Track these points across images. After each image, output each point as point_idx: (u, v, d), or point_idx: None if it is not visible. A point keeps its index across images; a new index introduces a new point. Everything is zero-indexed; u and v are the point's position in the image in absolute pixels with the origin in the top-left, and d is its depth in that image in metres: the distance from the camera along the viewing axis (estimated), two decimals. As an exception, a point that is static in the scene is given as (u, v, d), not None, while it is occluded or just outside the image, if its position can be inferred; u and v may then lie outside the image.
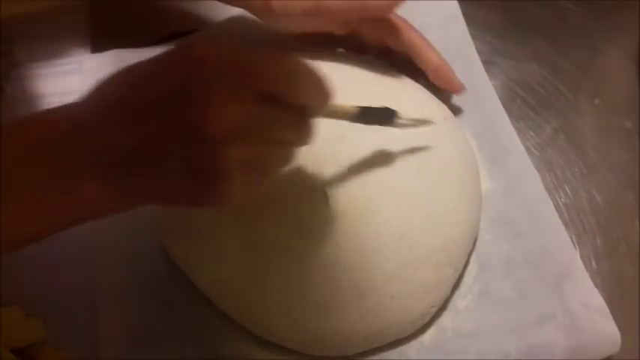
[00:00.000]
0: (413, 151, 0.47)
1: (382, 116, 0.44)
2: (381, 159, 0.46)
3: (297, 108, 0.35)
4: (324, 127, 0.46)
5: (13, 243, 0.35)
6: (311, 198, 0.44)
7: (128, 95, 0.33)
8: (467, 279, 0.47)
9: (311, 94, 0.36)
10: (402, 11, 0.59)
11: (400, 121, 0.45)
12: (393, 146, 0.46)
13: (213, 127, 0.31)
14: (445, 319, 0.46)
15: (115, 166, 0.33)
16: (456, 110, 0.54)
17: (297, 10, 0.48)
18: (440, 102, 0.52)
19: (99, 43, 0.58)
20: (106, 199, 0.34)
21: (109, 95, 0.34)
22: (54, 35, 0.57)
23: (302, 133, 0.36)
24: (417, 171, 0.46)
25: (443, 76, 0.52)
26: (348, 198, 0.44)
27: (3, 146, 0.33)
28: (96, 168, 0.33)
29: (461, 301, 0.46)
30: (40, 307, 0.47)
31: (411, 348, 0.45)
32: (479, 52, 0.58)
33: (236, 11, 0.62)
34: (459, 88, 0.53)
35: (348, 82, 0.49)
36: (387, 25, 0.51)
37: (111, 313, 0.46)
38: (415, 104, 0.50)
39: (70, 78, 0.57)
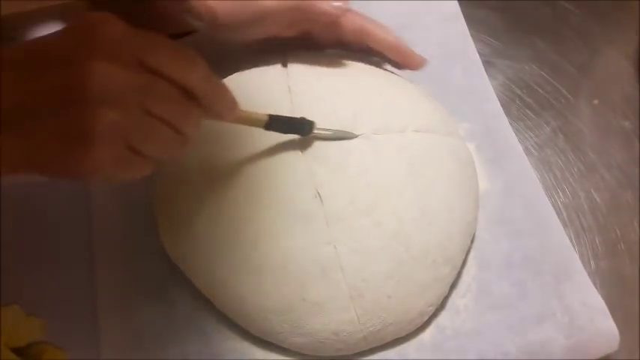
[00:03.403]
0: (405, 150, 0.47)
1: (296, 126, 0.45)
2: (374, 159, 0.46)
3: (182, 89, 0.36)
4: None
5: None
6: (306, 200, 0.44)
7: (20, 56, 0.34)
8: (466, 278, 0.47)
9: (194, 78, 0.36)
10: (403, 11, 0.59)
11: (318, 132, 0.46)
12: (385, 146, 0.47)
13: (92, 84, 0.32)
14: (444, 318, 0.46)
15: None
16: (455, 110, 0.54)
17: (242, 17, 0.48)
18: (436, 105, 0.52)
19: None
20: None
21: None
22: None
23: (183, 115, 0.36)
24: (409, 170, 0.46)
25: (402, 53, 0.51)
26: (343, 199, 0.44)
27: None
28: None
29: (460, 300, 0.47)
30: (40, 307, 0.47)
31: (410, 347, 0.45)
32: (478, 52, 0.58)
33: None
34: (420, 62, 0.51)
35: (343, 85, 0.49)
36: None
37: (111, 313, 0.46)
38: (408, 106, 0.50)
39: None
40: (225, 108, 0.39)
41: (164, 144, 0.37)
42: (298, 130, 0.45)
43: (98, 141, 0.33)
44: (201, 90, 0.36)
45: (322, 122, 0.47)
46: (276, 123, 0.44)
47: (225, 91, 0.39)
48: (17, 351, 0.45)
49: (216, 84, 0.38)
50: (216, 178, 0.46)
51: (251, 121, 0.43)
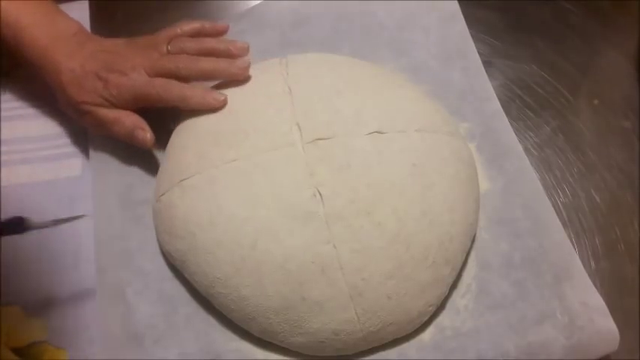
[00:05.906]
0: (408, 150, 0.47)
1: (10, 227, 0.43)
2: (377, 159, 0.46)
3: None
4: (314, 128, 0.46)
5: None
6: (305, 199, 0.44)
7: None
8: (466, 278, 0.47)
9: None
10: (403, 11, 0.59)
11: (36, 224, 0.44)
12: (388, 146, 0.47)
13: None
14: (444, 318, 0.46)
15: None
16: (455, 111, 0.54)
17: None
18: (437, 105, 0.52)
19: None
20: None
21: None
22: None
23: None
24: (411, 171, 0.46)
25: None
26: (343, 198, 0.44)
27: None
28: None
29: (460, 300, 0.47)
30: (40, 307, 0.47)
31: (410, 347, 0.45)
32: (478, 52, 0.58)
33: (236, 10, 0.62)
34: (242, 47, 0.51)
35: (344, 85, 0.49)
36: None
37: (111, 312, 0.46)
38: (410, 106, 0.50)
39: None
40: None
41: None
42: (14, 230, 0.43)
43: None
44: None
45: (324, 123, 0.47)
46: None
47: None
48: (17, 351, 0.45)
49: None
50: (215, 177, 0.46)
51: None
